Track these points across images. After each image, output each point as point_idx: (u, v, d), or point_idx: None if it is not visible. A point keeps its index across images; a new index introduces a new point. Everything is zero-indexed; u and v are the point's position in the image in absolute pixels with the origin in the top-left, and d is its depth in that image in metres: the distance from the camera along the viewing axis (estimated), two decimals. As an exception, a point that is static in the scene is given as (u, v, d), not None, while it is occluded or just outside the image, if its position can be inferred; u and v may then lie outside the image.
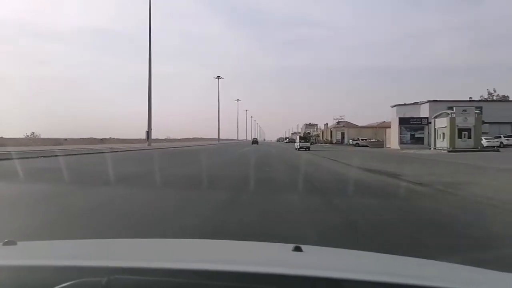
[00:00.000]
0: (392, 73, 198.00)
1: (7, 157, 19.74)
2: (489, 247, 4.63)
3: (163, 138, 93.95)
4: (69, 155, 25.04)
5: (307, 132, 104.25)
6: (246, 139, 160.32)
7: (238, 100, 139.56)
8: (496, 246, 4.71)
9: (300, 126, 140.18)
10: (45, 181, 11.21)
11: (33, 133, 59.87)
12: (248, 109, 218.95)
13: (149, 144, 47.12)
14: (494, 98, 67.52)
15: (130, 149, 36.85)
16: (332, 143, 77.60)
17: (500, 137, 42.81)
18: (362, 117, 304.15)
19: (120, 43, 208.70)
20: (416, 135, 49.69)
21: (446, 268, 1.53)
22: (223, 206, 7.18)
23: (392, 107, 60.22)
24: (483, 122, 39.85)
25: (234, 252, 1.64)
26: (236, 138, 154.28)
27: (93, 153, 29.45)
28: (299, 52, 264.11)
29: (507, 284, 1.29)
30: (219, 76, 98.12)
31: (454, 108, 38.17)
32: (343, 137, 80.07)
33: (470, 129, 36.84)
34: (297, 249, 1.43)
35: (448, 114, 37.49)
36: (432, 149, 39.04)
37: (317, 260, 1.53)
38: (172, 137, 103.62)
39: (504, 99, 64.88)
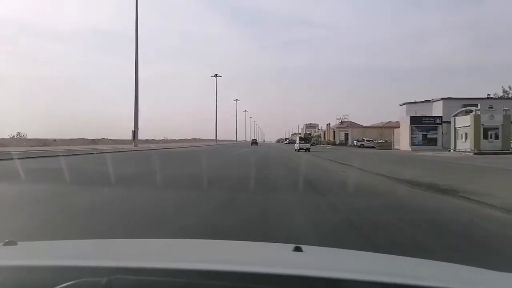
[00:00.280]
0: (394, 73, 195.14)
1: None
2: None
3: (160, 138, 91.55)
4: (31, 157, 22.57)
5: (307, 132, 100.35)
6: (245, 140, 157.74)
7: (236, 100, 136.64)
8: None
9: (301, 126, 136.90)
10: None
11: (19, 133, 57.05)
12: (247, 110, 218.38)
13: (135, 145, 42.25)
14: (510, 95, 63.23)
15: (103, 151, 32.05)
16: (335, 144, 73.25)
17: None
18: (365, 117, 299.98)
19: (120, 43, 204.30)
20: (429, 136, 45.83)
21: (444, 268, 1.49)
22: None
23: (401, 105, 55.77)
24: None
25: (234, 252, 1.62)
26: (235, 139, 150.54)
27: (63, 155, 25.59)
28: (299, 52, 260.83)
29: (505, 284, 1.28)
30: (216, 75, 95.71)
31: (478, 104, 33.71)
32: (346, 138, 75.92)
33: (497, 128, 32.20)
34: (297, 249, 1.41)
35: (472, 111, 32.90)
36: (452, 151, 34.62)
37: (317, 260, 1.51)
38: (169, 137, 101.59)
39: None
